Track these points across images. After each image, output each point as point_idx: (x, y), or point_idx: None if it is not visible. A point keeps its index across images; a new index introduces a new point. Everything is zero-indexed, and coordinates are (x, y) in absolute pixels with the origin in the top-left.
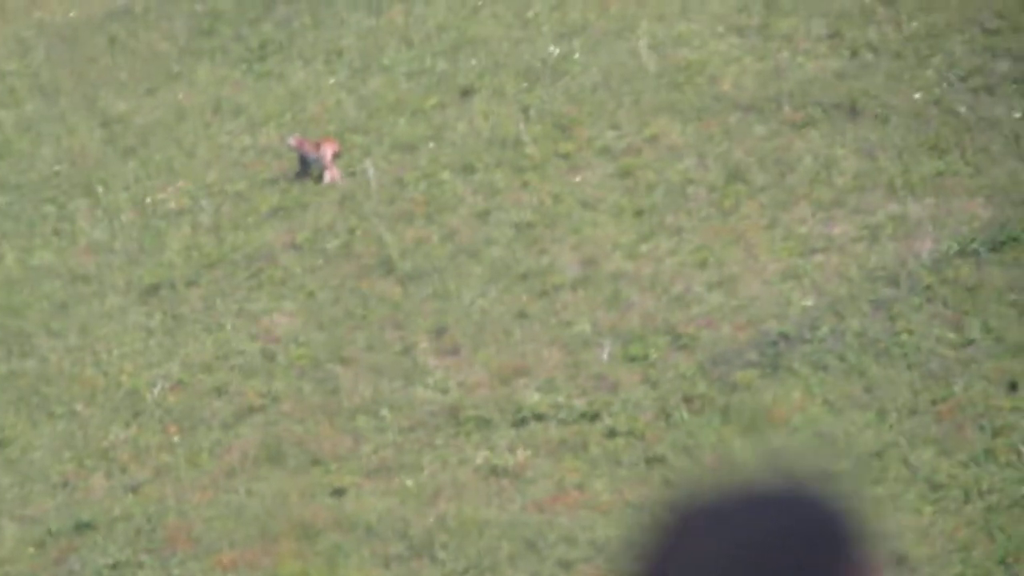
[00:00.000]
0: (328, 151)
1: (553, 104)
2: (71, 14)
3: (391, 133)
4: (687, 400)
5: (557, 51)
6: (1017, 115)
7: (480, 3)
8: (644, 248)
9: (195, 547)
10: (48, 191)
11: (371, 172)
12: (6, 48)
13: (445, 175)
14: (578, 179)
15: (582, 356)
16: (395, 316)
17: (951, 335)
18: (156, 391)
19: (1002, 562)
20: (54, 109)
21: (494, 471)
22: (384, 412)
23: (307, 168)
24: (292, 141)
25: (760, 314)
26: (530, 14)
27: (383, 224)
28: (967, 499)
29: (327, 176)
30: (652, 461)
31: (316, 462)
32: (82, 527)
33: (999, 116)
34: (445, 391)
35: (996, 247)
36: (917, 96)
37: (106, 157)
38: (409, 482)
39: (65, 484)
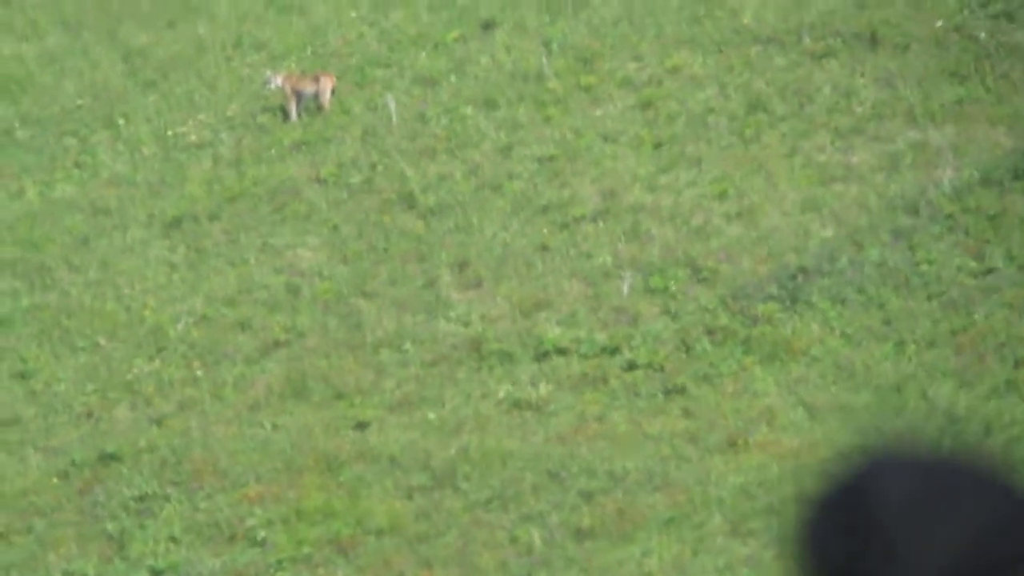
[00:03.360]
0: (327, 85)
1: (575, 37)
2: None
3: (412, 66)
4: (708, 332)
5: None
6: None
7: None
8: (664, 180)
9: (221, 480)
10: (70, 124)
11: (392, 106)
12: None
13: (467, 110)
14: (599, 112)
15: (603, 289)
16: (418, 250)
17: (972, 264)
18: (180, 325)
19: None
20: (76, 42)
21: (516, 404)
22: (407, 346)
23: (300, 105)
24: (278, 80)
25: (780, 246)
26: None
27: (405, 159)
28: (988, 432)
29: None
30: (671, 393)
31: (340, 396)
32: (106, 458)
33: (1020, 42)
34: (467, 324)
35: (1019, 175)
36: (938, 24)
37: (127, 90)
38: (432, 415)
39: (89, 415)
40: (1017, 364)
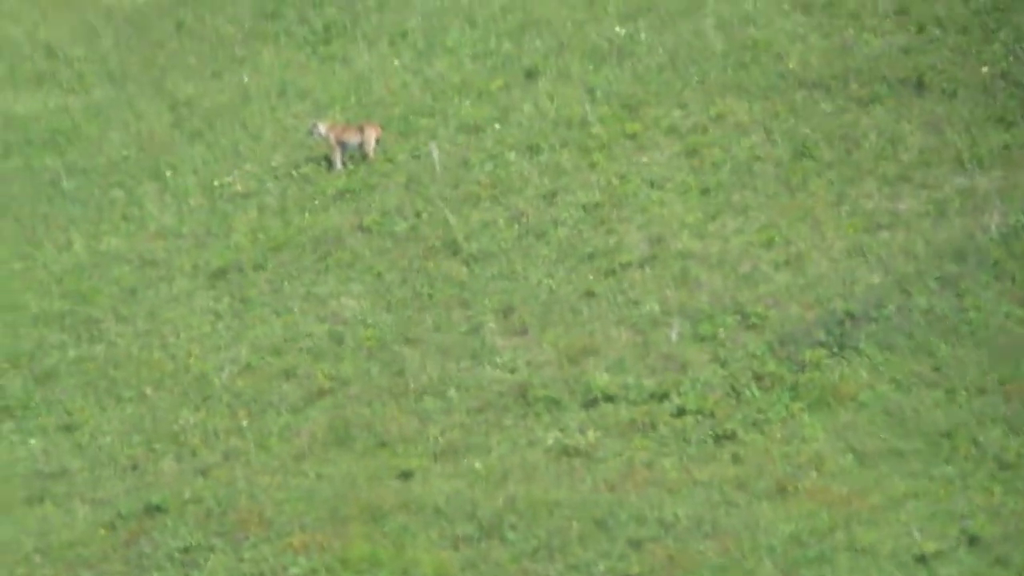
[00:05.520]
0: (372, 134)
1: (619, 84)
2: None
3: (456, 115)
4: (756, 378)
5: (623, 31)
6: None
7: None
8: (711, 227)
9: (266, 530)
10: (117, 176)
11: (436, 154)
12: (74, 34)
13: (511, 156)
14: (645, 159)
15: (651, 336)
16: (462, 297)
17: (1020, 311)
18: (224, 374)
19: None
20: (122, 94)
21: (564, 451)
22: (451, 393)
23: (344, 154)
24: (322, 128)
25: (827, 292)
26: None
27: (449, 206)
28: None
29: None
30: (721, 439)
31: (384, 444)
32: (152, 510)
33: None
34: (513, 371)
35: None
36: (984, 70)
37: (174, 141)
38: (477, 464)
39: (135, 467)
40: None
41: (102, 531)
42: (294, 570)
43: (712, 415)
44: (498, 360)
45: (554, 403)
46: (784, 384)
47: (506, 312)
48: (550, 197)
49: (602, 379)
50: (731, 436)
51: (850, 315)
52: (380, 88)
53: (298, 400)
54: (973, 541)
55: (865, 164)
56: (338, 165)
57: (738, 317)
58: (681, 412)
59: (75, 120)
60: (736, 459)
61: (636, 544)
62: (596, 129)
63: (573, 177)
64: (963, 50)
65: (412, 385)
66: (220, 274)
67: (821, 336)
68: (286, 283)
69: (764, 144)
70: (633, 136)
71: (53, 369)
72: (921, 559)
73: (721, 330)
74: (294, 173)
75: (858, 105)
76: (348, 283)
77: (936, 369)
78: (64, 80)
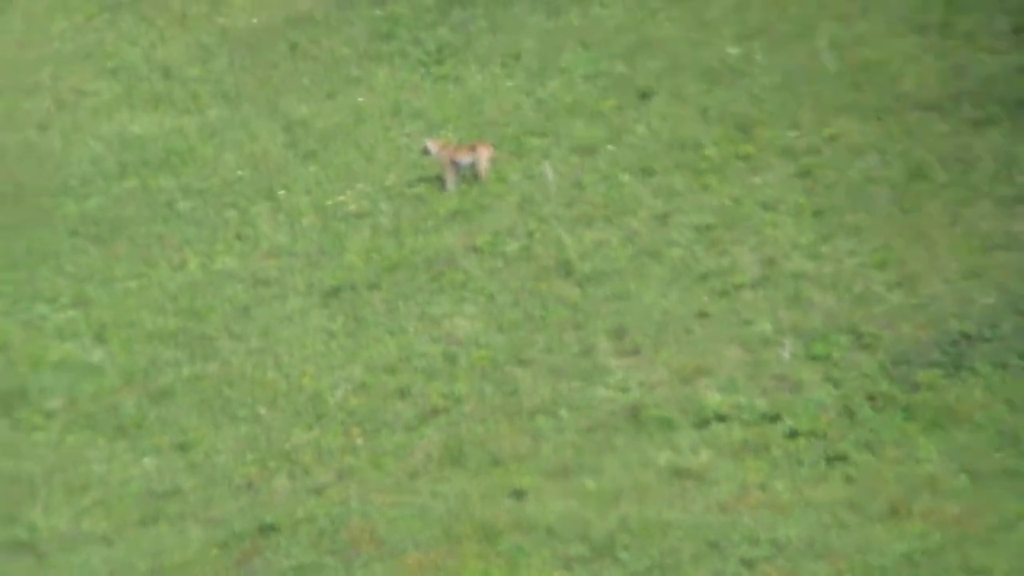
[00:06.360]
0: (485, 155)
1: (733, 105)
2: (253, 20)
3: (569, 135)
4: (870, 398)
5: (737, 52)
6: None
7: (658, 5)
8: (824, 248)
9: (379, 549)
10: (230, 196)
11: (550, 175)
12: (189, 54)
13: (624, 177)
14: (758, 180)
15: (763, 356)
16: (574, 317)
17: None
18: (338, 393)
19: None
20: (236, 114)
21: (676, 472)
22: (563, 413)
23: (457, 175)
24: (434, 148)
25: (942, 313)
26: (709, 16)
27: (562, 226)
28: None
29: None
30: (834, 460)
31: (497, 463)
32: (266, 529)
33: None
34: (625, 391)
35: None
36: None
37: (287, 161)
38: (590, 483)
39: (248, 486)
40: None
41: (215, 551)
42: None
43: (825, 436)
44: (610, 380)
45: (666, 423)
46: (897, 404)
47: (619, 333)
48: (663, 218)
49: (714, 399)
50: (844, 457)
51: (965, 335)
52: (492, 108)
53: (412, 419)
54: None
55: (980, 185)
56: (450, 186)
57: (851, 337)
58: (794, 433)
59: (190, 141)
60: (848, 480)
61: (748, 564)
62: (709, 150)
63: (686, 198)
64: None
65: (525, 405)
66: (334, 293)
67: (935, 356)
68: (400, 303)
69: (878, 165)
70: (746, 157)
71: (167, 388)
72: None
73: (834, 350)
74: (407, 193)
75: (973, 126)
76: (461, 303)
77: None
78: (179, 101)
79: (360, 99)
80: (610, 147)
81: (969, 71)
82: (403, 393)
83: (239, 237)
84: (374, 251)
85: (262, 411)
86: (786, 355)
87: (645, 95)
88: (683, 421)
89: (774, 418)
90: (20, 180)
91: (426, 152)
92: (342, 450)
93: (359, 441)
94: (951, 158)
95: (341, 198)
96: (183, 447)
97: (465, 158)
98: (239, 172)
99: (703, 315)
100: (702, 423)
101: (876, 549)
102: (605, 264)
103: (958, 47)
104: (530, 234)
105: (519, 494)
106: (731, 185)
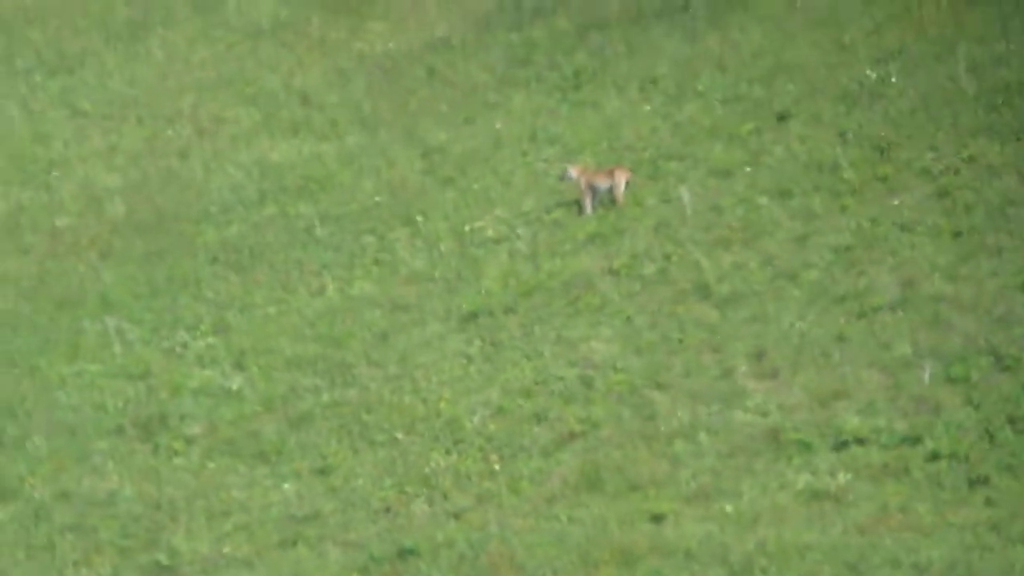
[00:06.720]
0: (622, 179)
1: (870, 127)
2: (390, 45)
3: (706, 159)
4: (1011, 421)
5: (874, 75)
6: None
7: (796, 29)
8: (964, 269)
9: (518, 573)
10: (368, 222)
11: (687, 198)
12: (327, 80)
13: (762, 200)
14: (896, 201)
15: (902, 378)
16: (712, 340)
17: None
18: (476, 418)
19: None
20: (374, 141)
21: (815, 495)
22: (702, 437)
23: (595, 199)
24: (572, 172)
25: None
26: (846, 39)
27: (699, 249)
28: None
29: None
30: (976, 483)
31: (635, 488)
32: (405, 553)
33: None
34: (765, 414)
35: None
36: None
37: (425, 187)
38: (728, 507)
39: (387, 510)
40: None
41: (355, 575)
42: None
43: (966, 459)
44: (749, 404)
45: (805, 446)
46: None
47: (757, 355)
48: (801, 240)
49: (853, 422)
50: (985, 480)
51: None
52: (630, 133)
53: (549, 443)
54: None
55: None
56: (588, 209)
57: (992, 359)
58: (935, 456)
59: (328, 167)
60: (990, 502)
61: None
62: (847, 173)
63: (824, 220)
64: None
65: (663, 429)
66: (471, 318)
67: None
68: (536, 327)
69: (1017, 187)
70: (884, 179)
71: (307, 413)
72: None
73: (974, 372)
74: (544, 218)
75: None
76: (598, 327)
77: None
78: (318, 127)
79: (498, 125)
80: (747, 170)
81: None
82: (540, 417)
83: (377, 263)
84: (511, 275)
85: (400, 436)
86: (925, 378)
87: (782, 118)
88: (822, 444)
89: (914, 441)
90: (161, 208)
91: (567, 177)
92: (480, 475)
93: (497, 466)
94: None
95: (479, 223)
96: (322, 472)
97: (603, 183)
98: (377, 198)
99: (841, 338)
100: (841, 446)
101: (1019, 571)
102: (743, 286)
103: None
104: (667, 257)
105: (657, 519)
106: (869, 206)
